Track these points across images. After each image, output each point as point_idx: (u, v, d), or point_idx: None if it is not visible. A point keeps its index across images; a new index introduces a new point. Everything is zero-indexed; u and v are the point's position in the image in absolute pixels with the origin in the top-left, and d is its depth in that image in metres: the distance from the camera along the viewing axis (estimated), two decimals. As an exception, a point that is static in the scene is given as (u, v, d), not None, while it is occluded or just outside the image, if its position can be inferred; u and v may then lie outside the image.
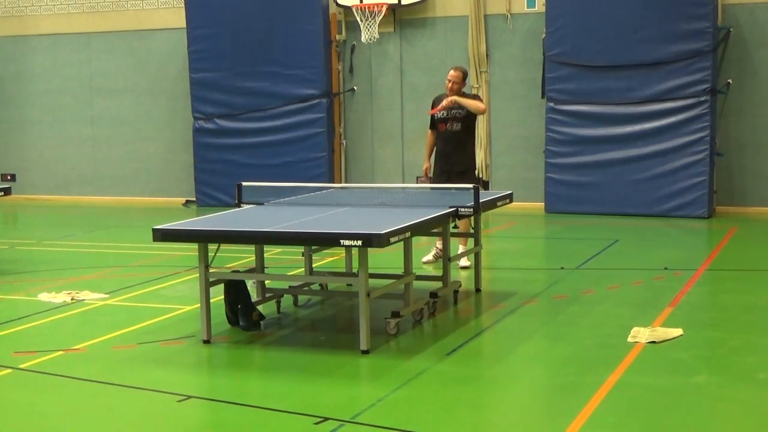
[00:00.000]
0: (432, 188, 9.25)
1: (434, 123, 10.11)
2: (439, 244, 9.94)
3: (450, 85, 9.93)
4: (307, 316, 8.17)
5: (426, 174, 10.19)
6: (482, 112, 10.15)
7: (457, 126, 9.89)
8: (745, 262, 10.31)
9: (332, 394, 5.99)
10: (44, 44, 17.75)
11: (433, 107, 10.14)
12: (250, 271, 8.03)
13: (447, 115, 9.92)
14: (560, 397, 5.91)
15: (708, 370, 6.37)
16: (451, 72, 10.00)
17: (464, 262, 9.70)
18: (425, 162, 10.24)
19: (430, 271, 9.72)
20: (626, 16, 13.97)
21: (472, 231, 9.01)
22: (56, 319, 8.01)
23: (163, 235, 7.14)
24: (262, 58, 15.65)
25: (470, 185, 8.27)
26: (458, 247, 9.62)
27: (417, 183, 10.14)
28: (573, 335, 7.27)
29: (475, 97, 10.32)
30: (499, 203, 8.97)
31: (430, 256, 10.10)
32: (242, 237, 7.30)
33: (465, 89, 10.26)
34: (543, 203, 14.64)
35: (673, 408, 5.59)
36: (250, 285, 7.86)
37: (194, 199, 16.36)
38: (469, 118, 9.94)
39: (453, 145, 9.89)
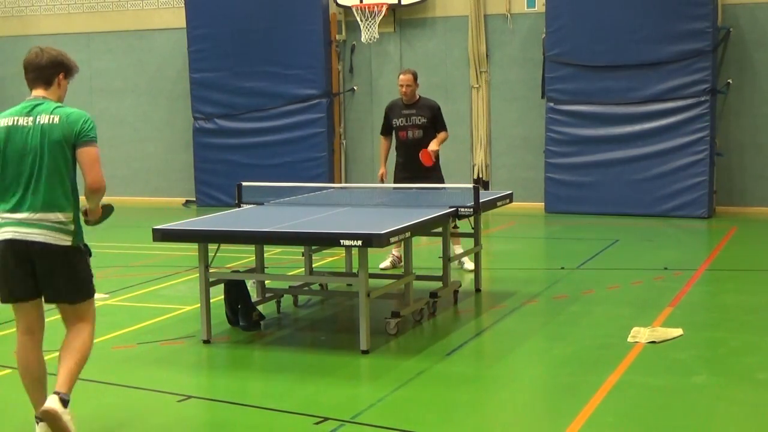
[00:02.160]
0: (432, 188, 9.21)
1: (389, 129, 9.78)
2: (395, 251, 9.82)
3: (404, 89, 9.57)
4: (307, 316, 8.17)
5: (381, 179, 9.91)
6: (447, 139, 9.84)
7: (418, 133, 9.56)
8: (745, 262, 10.31)
9: (332, 394, 6.00)
10: (44, 44, 17.66)
11: (389, 115, 9.73)
12: (250, 271, 8.04)
13: (407, 122, 9.61)
14: (560, 397, 5.91)
15: (708, 370, 6.38)
16: (401, 76, 9.63)
17: (468, 264, 9.57)
18: (381, 167, 9.92)
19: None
20: (626, 16, 13.97)
21: (464, 231, 8.99)
22: (56, 319, 7.99)
23: (163, 235, 7.14)
24: (262, 58, 15.65)
25: (470, 185, 8.27)
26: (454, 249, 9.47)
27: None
28: (573, 335, 7.27)
29: (440, 125, 9.69)
30: (499, 203, 8.98)
31: (387, 263, 9.82)
32: (242, 237, 7.31)
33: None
34: (543, 203, 14.64)
35: (673, 408, 5.59)
36: (250, 285, 7.87)
37: (194, 199, 16.37)
38: (429, 124, 9.60)
39: (416, 152, 9.50)
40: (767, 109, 14.06)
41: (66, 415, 4.89)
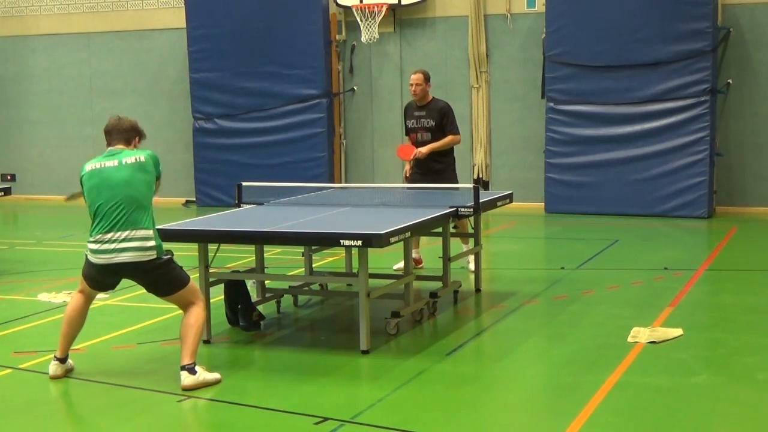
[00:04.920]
0: (431, 188, 9.20)
1: (408, 131, 9.75)
2: (414, 254, 9.77)
3: (413, 88, 9.50)
4: (307, 316, 8.17)
5: (406, 176, 9.80)
6: (456, 143, 9.65)
7: (426, 136, 9.49)
8: (745, 262, 10.32)
9: (332, 394, 6.00)
10: (44, 44, 17.75)
11: (405, 116, 9.74)
12: (250, 271, 8.03)
13: (416, 125, 9.55)
14: (560, 397, 5.91)
15: (708, 370, 6.38)
16: (412, 75, 9.55)
17: (471, 265, 9.41)
18: (407, 164, 9.82)
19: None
20: (626, 16, 13.97)
21: (471, 231, 8.99)
22: (56, 319, 7.99)
23: (163, 235, 7.09)
24: (262, 58, 15.65)
25: (470, 185, 8.27)
26: (462, 248, 9.45)
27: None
28: (573, 335, 7.27)
29: (449, 127, 9.56)
30: (499, 203, 8.97)
31: (401, 264, 9.76)
32: (242, 237, 7.30)
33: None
34: (543, 203, 14.65)
35: (673, 408, 5.60)
36: (250, 285, 7.86)
37: (194, 199, 16.37)
38: (438, 127, 9.49)
39: (427, 156, 9.47)
40: (767, 109, 14.07)
41: (197, 378, 6.02)
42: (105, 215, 6.03)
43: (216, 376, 6.15)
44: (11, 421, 5.63)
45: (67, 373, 6.35)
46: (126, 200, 6.02)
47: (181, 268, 6.27)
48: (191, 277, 6.44)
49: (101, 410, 5.83)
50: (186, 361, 6.07)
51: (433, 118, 9.52)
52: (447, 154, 9.69)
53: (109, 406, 5.87)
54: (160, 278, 6.15)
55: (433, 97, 9.70)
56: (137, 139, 6.34)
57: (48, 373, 6.31)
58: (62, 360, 6.32)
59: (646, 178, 13.97)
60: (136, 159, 6.14)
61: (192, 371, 6.04)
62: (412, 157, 9.51)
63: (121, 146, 6.23)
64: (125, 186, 6.04)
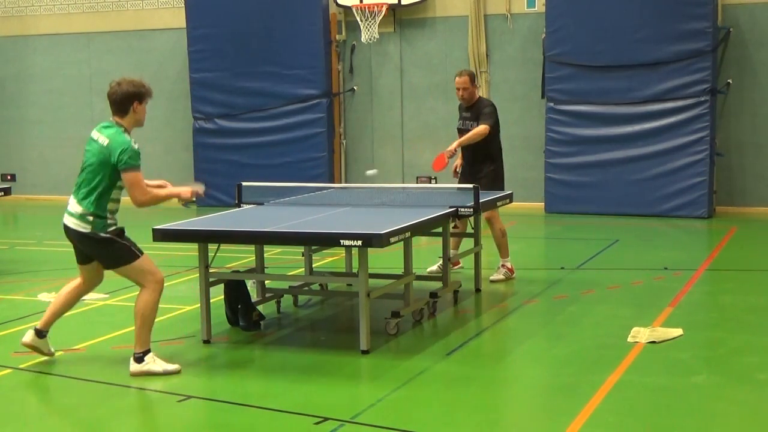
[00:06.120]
0: (430, 188, 9.18)
1: (458, 131, 9.42)
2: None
3: (460, 93, 9.18)
4: (307, 316, 8.17)
5: (455, 170, 9.42)
6: (484, 135, 9.06)
7: None
8: (745, 262, 10.32)
9: (332, 394, 6.00)
10: (44, 44, 17.75)
11: (460, 116, 9.40)
12: (250, 271, 8.04)
13: (462, 126, 9.29)
14: (560, 397, 5.91)
15: (708, 370, 6.38)
16: (457, 79, 9.15)
17: (496, 275, 9.28)
18: (457, 159, 9.46)
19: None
20: (626, 16, 13.97)
21: (472, 231, 8.98)
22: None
23: (163, 235, 7.15)
24: (262, 58, 15.65)
25: (470, 185, 8.26)
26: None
27: (417, 182, 9.68)
28: (573, 335, 7.27)
29: (485, 115, 9.18)
30: (499, 203, 8.97)
31: (434, 267, 9.47)
32: (242, 237, 7.31)
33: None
34: (543, 203, 14.64)
35: (673, 408, 5.59)
36: (250, 285, 7.86)
37: (194, 199, 16.33)
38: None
39: (470, 159, 9.30)
40: (767, 109, 14.07)
41: (142, 368, 6.21)
42: (76, 182, 6.33)
43: (173, 367, 6.29)
44: (11, 421, 5.63)
45: (41, 351, 6.53)
46: (86, 177, 6.24)
47: (129, 247, 6.34)
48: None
49: (101, 410, 5.82)
50: (135, 348, 6.28)
51: (477, 119, 9.19)
52: (494, 158, 9.27)
53: (109, 406, 5.87)
54: (96, 250, 6.33)
55: (480, 97, 9.42)
56: (135, 104, 6.30)
57: (48, 373, 6.30)
58: (40, 333, 6.51)
59: (646, 178, 13.97)
60: (103, 141, 6.23)
61: (139, 360, 6.23)
62: (446, 163, 9.13)
63: (116, 119, 6.30)
64: (90, 164, 6.23)
